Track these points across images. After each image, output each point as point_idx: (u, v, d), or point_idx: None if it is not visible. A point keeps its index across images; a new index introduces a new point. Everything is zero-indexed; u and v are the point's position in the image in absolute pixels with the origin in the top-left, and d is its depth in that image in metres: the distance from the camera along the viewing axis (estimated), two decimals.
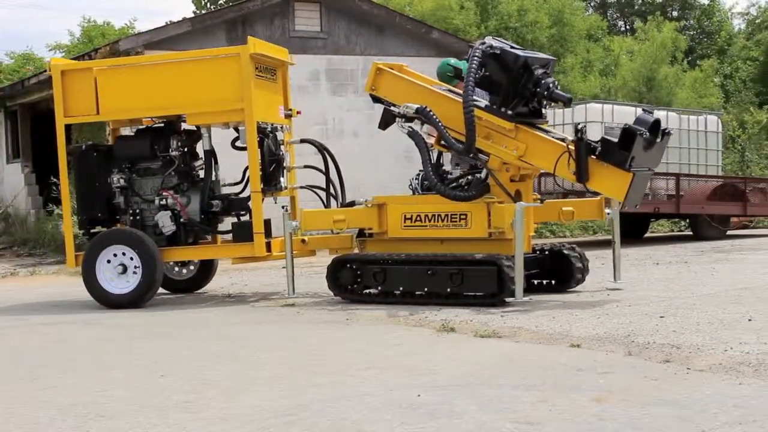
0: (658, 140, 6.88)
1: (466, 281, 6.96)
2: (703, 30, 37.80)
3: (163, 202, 8.13)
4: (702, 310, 6.28)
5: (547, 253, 7.67)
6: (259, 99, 7.94)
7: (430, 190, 7.49)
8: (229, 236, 8.31)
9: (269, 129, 8.24)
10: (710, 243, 13.32)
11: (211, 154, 8.21)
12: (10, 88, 18.76)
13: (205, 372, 4.89)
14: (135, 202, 8.27)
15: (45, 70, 16.30)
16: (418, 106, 7.33)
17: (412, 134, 7.46)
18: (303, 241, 8.21)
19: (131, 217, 8.21)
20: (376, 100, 7.93)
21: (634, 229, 14.89)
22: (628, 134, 6.67)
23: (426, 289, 7.13)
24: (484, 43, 7.12)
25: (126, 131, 9.38)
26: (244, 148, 8.00)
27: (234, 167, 8.52)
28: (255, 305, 7.76)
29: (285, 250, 7.81)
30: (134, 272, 7.80)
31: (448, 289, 7.02)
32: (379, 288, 7.38)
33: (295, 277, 7.93)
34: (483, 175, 7.30)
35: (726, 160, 20.19)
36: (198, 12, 33.65)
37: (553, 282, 7.76)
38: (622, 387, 4.13)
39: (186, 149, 8.35)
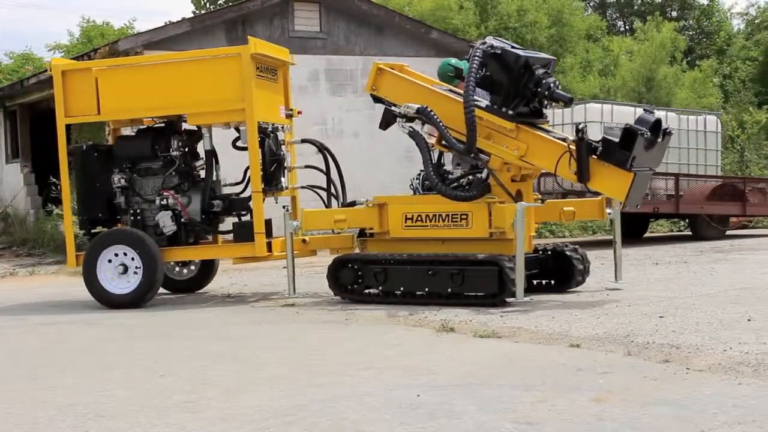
0: (659, 140, 6.88)
1: (467, 281, 6.96)
2: (703, 30, 37.82)
3: (164, 202, 8.13)
4: (701, 310, 6.29)
5: (548, 253, 7.67)
6: (260, 99, 7.94)
7: (431, 190, 7.49)
8: (230, 236, 8.31)
9: (270, 129, 8.24)
10: (709, 243, 13.33)
11: (212, 154, 8.21)
12: (9, 88, 18.76)
13: (205, 372, 4.89)
14: (136, 202, 8.27)
15: (44, 70, 16.33)
16: (419, 106, 7.33)
17: (413, 134, 7.46)
18: (304, 241, 8.21)
19: (132, 217, 8.21)
20: (377, 100, 7.93)
21: (634, 229, 14.89)
22: (629, 134, 6.66)
23: (427, 289, 7.13)
24: (485, 43, 7.12)
25: (126, 131, 9.36)
26: (245, 148, 8.00)
27: (235, 167, 8.52)
28: (255, 305, 7.76)
29: (286, 250, 7.81)
30: (135, 272, 7.80)
31: (449, 290, 7.02)
32: (380, 288, 7.38)
33: (295, 277, 7.93)
34: (484, 175, 7.29)
35: (725, 160, 20.21)
36: (197, 12, 33.65)
37: (554, 282, 7.76)
38: (621, 387, 4.13)
39: (187, 149, 8.35)
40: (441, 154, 7.88)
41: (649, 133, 6.70)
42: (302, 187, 8.74)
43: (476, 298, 6.97)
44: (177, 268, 8.90)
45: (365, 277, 7.41)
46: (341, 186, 8.55)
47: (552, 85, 6.94)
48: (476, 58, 6.98)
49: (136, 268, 7.79)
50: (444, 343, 5.48)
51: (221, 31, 14.67)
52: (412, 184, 8.04)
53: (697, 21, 38.03)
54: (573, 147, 6.81)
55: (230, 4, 20.32)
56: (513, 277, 6.71)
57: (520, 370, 4.61)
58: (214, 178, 8.28)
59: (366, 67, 15.36)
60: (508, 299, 6.82)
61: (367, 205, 7.68)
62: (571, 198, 11.05)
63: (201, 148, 8.36)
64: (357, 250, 7.90)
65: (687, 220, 15.65)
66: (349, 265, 7.50)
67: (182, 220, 8.13)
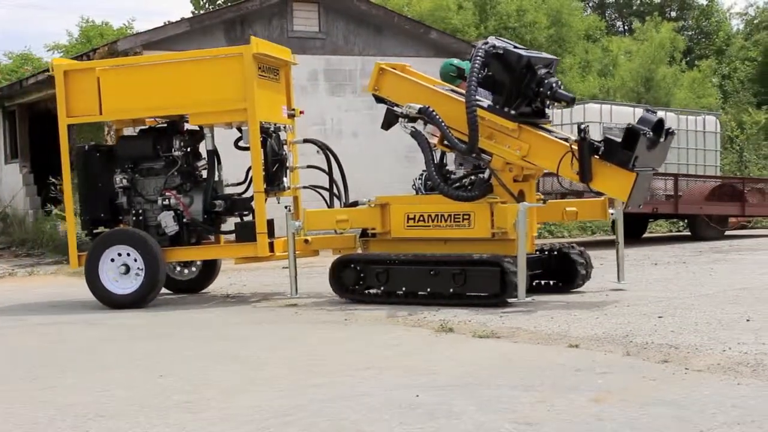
0: (662, 140, 6.88)
1: (468, 281, 6.96)
2: (702, 30, 37.84)
3: (166, 202, 8.13)
4: (700, 311, 6.29)
5: (553, 253, 7.67)
6: (262, 99, 7.94)
7: (434, 190, 7.48)
8: (232, 236, 8.31)
9: (272, 129, 8.25)
10: (708, 243, 13.34)
11: (214, 154, 8.21)
12: (8, 88, 18.76)
13: (205, 372, 4.89)
14: (138, 203, 8.27)
15: (43, 70, 16.35)
16: (421, 106, 7.32)
17: (415, 134, 7.45)
18: (306, 241, 8.21)
19: (134, 218, 8.22)
20: (379, 100, 7.92)
21: (633, 229, 14.89)
22: (631, 134, 6.66)
23: (429, 290, 7.13)
24: (487, 43, 7.11)
25: (128, 131, 9.36)
26: (247, 148, 8.01)
27: (237, 167, 8.51)
28: (257, 305, 7.77)
29: (288, 251, 7.81)
30: (137, 273, 7.80)
31: (451, 290, 7.02)
32: (382, 288, 7.38)
33: (297, 277, 7.92)
34: (486, 175, 7.28)
35: (724, 161, 20.23)
36: (196, 12, 33.65)
37: (555, 282, 7.76)
38: (620, 387, 4.14)
39: (189, 149, 8.35)
40: (443, 154, 7.88)
41: (651, 133, 6.70)
42: (304, 187, 8.74)
43: (478, 299, 6.96)
44: (179, 269, 8.90)
45: (367, 278, 7.41)
46: (344, 186, 8.55)
47: (554, 84, 6.93)
48: (478, 58, 6.98)
49: (138, 268, 7.79)
50: (443, 344, 5.48)
51: (220, 32, 14.67)
52: (414, 185, 8.04)
53: (696, 21, 38.06)
54: (575, 147, 6.80)
55: (229, 4, 20.31)
56: (515, 277, 6.71)
57: (519, 370, 4.61)
58: (216, 178, 8.28)
59: (365, 67, 15.42)
60: (510, 299, 6.82)
61: (370, 206, 7.68)
62: (570, 198, 11.06)
63: (203, 148, 8.36)
64: (359, 251, 7.90)
65: (686, 221, 15.66)
66: (351, 266, 7.50)
67: (184, 220, 8.13)
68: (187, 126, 8.38)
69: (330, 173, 8.59)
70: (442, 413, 3.75)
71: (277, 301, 7.96)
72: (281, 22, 15.21)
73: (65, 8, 67.54)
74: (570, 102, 7.17)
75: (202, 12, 30.24)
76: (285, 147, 8.40)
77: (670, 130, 7.00)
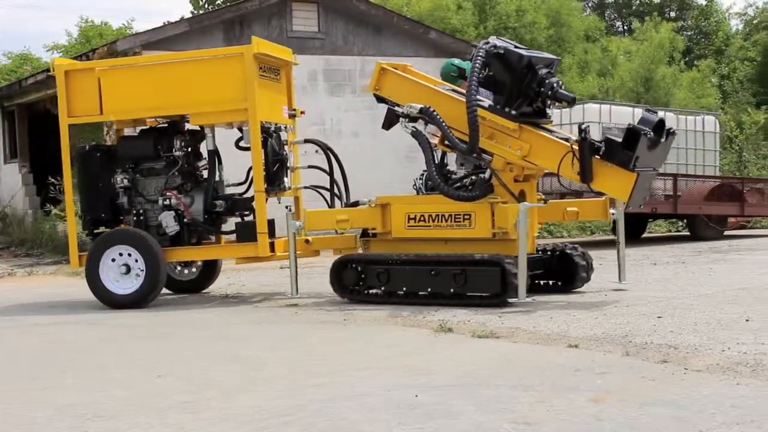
0: (663, 140, 6.88)
1: (469, 281, 6.96)
2: (701, 30, 37.86)
3: (167, 202, 8.13)
4: (699, 311, 6.29)
5: (554, 253, 7.66)
6: (262, 99, 7.94)
7: (434, 190, 7.48)
8: (233, 236, 8.31)
9: (273, 129, 8.25)
10: (708, 243, 13.34)
11: (214, 154, 8.21)
12: (7, 88, 18.76)
13: (205, 372, 4.89)
14: (138, 203, 8.27)
15: (42, 71, 16.36)
16: (422, 106, 7.32)
17: (416, 134, 7.45)
18: (307, 241, 8.21)
19: (135, 218, 8.21)
20: (380, 100, 7.92)
21: (632, 229, 14.87)
22: (632, 134, 6.66)
23: (429, 290, 7.12)
24: (488, 43, 7.11)
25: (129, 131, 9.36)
26: (247, 148, 8.00)
27: (238, 167, 8.51)
28: (258, 306, 7.76)
29: (288, 251, 7.80)
30: (138, 273, 7.80)
31: (452, 290, 7.01)
32: (383, 288, 7.37)
33: (298, 277, 7.92)
34: (487, 175, 7.28)
35: (723, 161, 20.23)
36: (195, 12, 33.67)
37: (556, 283, 7.76)
38: (619, 387, 4.14)
39: (190, 149, 8.35)
40: (444, 154, 7.88)
41: (652, 133, 6.70)
42: (305, 188, 8.74)
43: (479, 299, 6.96)
44: (178, 268, 8.89)
45: (368, 278, 7.41)
46: (345, 186, 8.55)
47: (555, 84, 6.93)
48: (479, 57, 6.97)
49: (139, 269, 7.79)
50: (442, 344, 5.48)
51: (219, 32, 14.68)
52: (415, 185, 8.03)
53: (695, 21, 38.07)
54: (576, 147, 6.80)
55: (228, 4, 20.32)
56: (515, 278, 6.71)
57: (519, 370, 4.61)
58: (217, 178, 8.28)
59: (364, 67, 15.44)
60: (511, 299, 6.82)
61: (370, 206, 7.68)
62: (569, 198, 11.06)
63: (204, 148, 8.36)
64: (360, 251, 7.89)
65: (685, 221, 15.66)
66: (352, 266, 7.49)
67: (185, 220, 8.13)
68: (187, 126, 8.38)
69: (331, 173, 8.59)
70: (440, 413, 3.75)
71: (278, 301, 7.96)
72: (280, 22, 15.21)
73: (65, 8, 67.59)
74: (571, 102, 7.17)
75: (201, 12, 30.23)
76: (286, 147, 8.40)
77: (671, 131, 7.00)
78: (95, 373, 5.04)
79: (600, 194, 7.43)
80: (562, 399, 3.93)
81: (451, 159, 8.17)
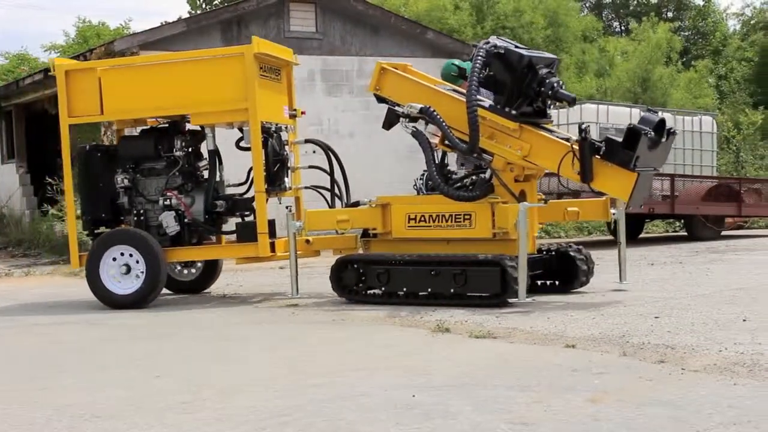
0: (663, 140, 6.88)
1: (469, 282, 6.96)
2: (698, 31, 37.88)
3: (167, 202, 8.12)
4: (697, 311, 6.30)
5: (553, 253, 7.67)
6: (263, 99, 7.94)
7: (434, 191, 7.48)
8: (234, 237, 8.31)
9: (273, 129, 8.25)
10: (705, 243, 13.35)
11: (215, 154, 8.21)
12: (5, 88, 18.75)
13: (205, 372, 4.90)
14: (139, 203, 8.27)
15: (40, 71, 16.35)
16: (422, 105, 7.32)
17: (416, 134, 7.45)
18: (307, 241, 8.21)
19: (135, 218, 8.21)
20: (380, 100, 7.91)
21: (630, 229, 14.80)
22: (632, 134, 6.66)
23: (429, 290, 7.12)
24: (488, 43, 7.11)
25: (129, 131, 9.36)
26: (248, 149, 8.00)
27: (238, 167, 8.50)
28: (258, 306, 7.76)
29: (289, 251, 7.80)
30: (138, 273, 7.80)
31: (452, 290, 7.01)
32: (383, 288, 7.37)
33: (298, 278, 7.92)
34: (487, 175, 7.28)
35: (721, 161, 20.25)
36: (193, 12, 33.64)
37: (558, 283, 7.76)
38: (617, 387, 4.15)
39: (190, 149, 8.35)
40: (444, 154, 7.88)
41: (652, 133, 6.70)
42: (306, 188, 8.74)
43: (479, 299, 6.96)
44: (178, 268, 8.89)
45: (368, 278, 7.41)
46: (345, 186, 8.56)
47: (555, 84, 6.93)
48: (479, 57, 6.97)
49: (140, 269, 7.79)
50: (440, 344, 5.48)
51: (217, 32, 14.68)
52: (415, 185, 8.03)
53: (692, 22, 38.10)
54: (576, 147, 6.81)
55: (226, 4, 20.31)
56: (515, 277, 6.71)
57: (516, 370, 4.62)
58: (218, 179, 8.28)
59: (362, 67, 15.45)
60: (511, 300, 6.83)
61: (371, 206, 7.68)
62: (567, 198, 11.07)
63: (204, 149, 8.36)
64: (360, 251, 7.90)
65: (682, 221, 15.68)
66: (352, 266, 7.50)
67: (185, 220, 8.13)
68: (188, 126, 8.38)
69: (331, 173, 8.59)
70: (438, 413, 3.76)
71: (278, 301, 7.96)
72: (278, 22, 15.21)
73: (64, 8, 67.55)
74: (571, 102, 7.18)
75: (198, 12, 30.22)
76: (286, 147, 8.40)
77: (672, 130, 7.00)
78: (94, 374, 5.05)
79: (600, 194, 7.44)
80: (559, 399, 3.94)
81: (452, 159, 8.18)
